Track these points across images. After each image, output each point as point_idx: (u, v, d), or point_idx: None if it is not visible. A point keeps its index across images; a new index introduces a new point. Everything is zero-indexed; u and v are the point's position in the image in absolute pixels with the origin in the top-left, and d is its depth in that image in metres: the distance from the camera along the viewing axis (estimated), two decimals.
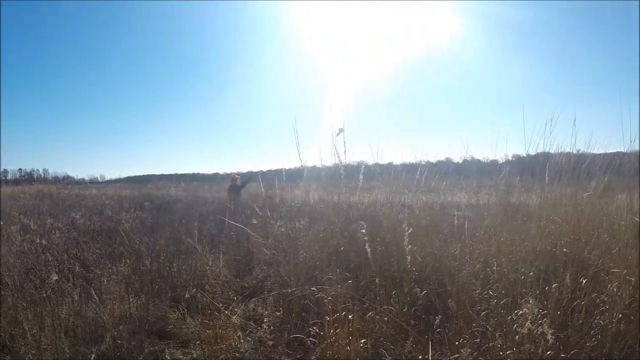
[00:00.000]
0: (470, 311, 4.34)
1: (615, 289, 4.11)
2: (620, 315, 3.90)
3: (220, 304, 5.53)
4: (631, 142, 6.21)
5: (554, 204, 6.25)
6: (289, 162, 7.86)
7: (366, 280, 5.31)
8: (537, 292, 4.22)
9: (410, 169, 8.61)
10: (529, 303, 3.48)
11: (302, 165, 7.18)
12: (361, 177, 6.49)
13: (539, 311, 3.49)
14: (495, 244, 5.47)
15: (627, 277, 4.21)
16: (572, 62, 71.57)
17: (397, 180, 8.33)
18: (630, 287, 4.12)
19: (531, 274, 4.50)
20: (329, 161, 6.97)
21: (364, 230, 4.86)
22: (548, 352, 3.46)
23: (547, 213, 5.94)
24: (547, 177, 6.43)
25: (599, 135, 6.74)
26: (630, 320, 3.92)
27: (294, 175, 9.16)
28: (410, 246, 4.97)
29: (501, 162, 8.07)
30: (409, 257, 5.00)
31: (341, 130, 6.15)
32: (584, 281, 4.28)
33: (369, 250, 4.80)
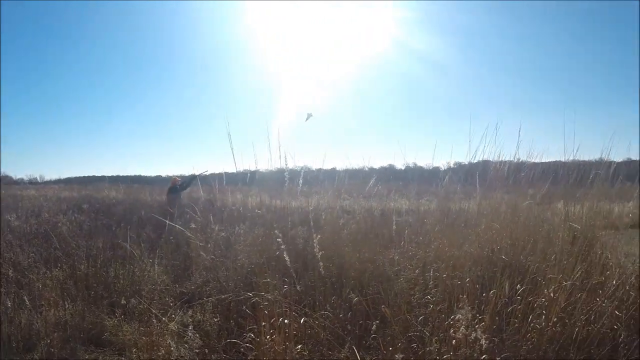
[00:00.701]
0: (408, 316, 4.34)
1: (551, 294, 4.18)
2: (555, 319, 3.98)
3: (158, 311, 5.36)
4: (574, 151, 6.42)
5: (493, 211, 6.36)
6: (231, 165, 7.71)
7: (305, 286, 5.25)
8: (475, 297, 4.26)
9: (353, 175, 8.63)
10: (464, 309, 3.50)
11: (245, 169, 7.08)
12: (300, 181, 6.42)
13: (474, 316, 3.51)
14: (434, 249, 5.50)
15: (563, 281, 4.30)
16: (519, 71, 73.88)
17: (339, 186, 8.32)
18: (566, 292, 4.21)
19: (468, 279, 4.54)
20: (272, 165, 6.89)
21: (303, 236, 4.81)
22: (483, 356, 3.48)
23: (485, 220, 6.03)
24: (485, 185, 6.54)
25: (540, 144, 6.93)
26: (565, 323, 4.02)
27: (236, 179, 9.00)
28: (351, 251, 4.96)
29: (443, 169, 8.18)
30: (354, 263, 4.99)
31: (310, 115, 6.08)
32: (521, 287, 4.36)
33: (319, 254, 4.75)
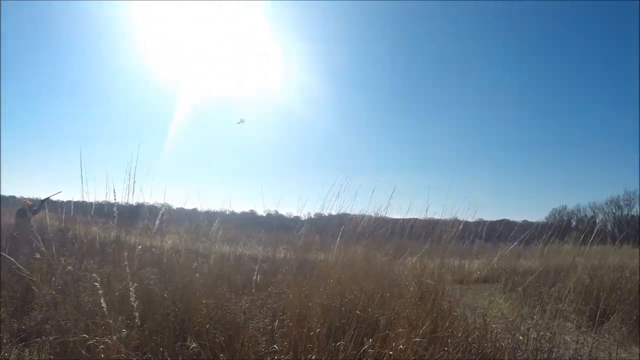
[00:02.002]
0: None
1: (401, 346, 4.37)
2: None
3: None
4: (426, 210, 6.84)
5: (347, 263, 6.56)
6: (92, 193, 7.30)
7: (150, 330, 5.07)
8: (323, 348, 4.35)
9: (213, 217, 8.57)
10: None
11: (105, 200, 6.78)
12: (157, 222, 6.28)
13: None
14: (285, 299, 5.55)
15: (412, 335, 4.53)
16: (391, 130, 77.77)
17: (197, 228, 8.22)
18: (415, 345, 4.43)
19: (318, 330, 4.63)
20: (130, 199, 6.66)
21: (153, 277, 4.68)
22: None
23: (337, 271, 6.20)
24: (343, 237, 6.75)
25: (399, 201, 7.31)
26: None
27: (86, 209, 8.54)
28: (201, 296, 4.89)
29: (303, 218, 8.36)
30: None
31: (242, 120, 5.99)
32: (370, 339, 4.51)
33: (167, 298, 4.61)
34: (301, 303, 5.35)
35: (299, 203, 7.52)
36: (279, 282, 6.21)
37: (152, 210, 6.59)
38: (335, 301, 5.57)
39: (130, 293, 4.66)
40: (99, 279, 5.97)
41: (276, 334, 4.88)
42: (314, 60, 48.08)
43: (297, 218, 8.95)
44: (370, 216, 7.26)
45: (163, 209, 6.53)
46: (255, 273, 5.86)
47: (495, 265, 11.12)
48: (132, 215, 7.35)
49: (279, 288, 5.95)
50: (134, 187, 6.17)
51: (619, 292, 7.84)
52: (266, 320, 5.22)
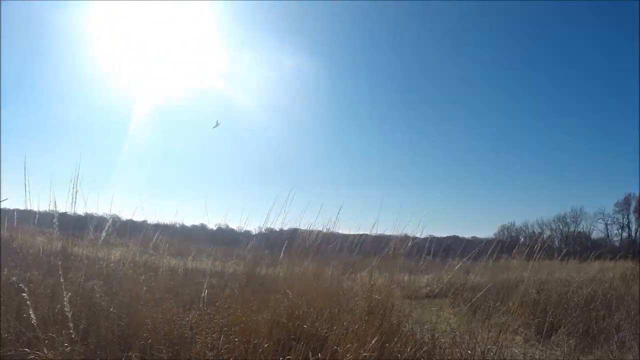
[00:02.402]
0: None
1: None
2: None
3: None
4: (376, 226, 6.96)
5: (297, 278, 6.59)
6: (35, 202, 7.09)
7: (95, 345, 4.99)
8: None
9: (163, 229, 8.49)
10: None
11: (52, 210, 6.62)
12: (104, 233, 6.20)
13: None
14: (233, 313, 5.55)
15: (361, 352, 4.60)
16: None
17: (147, 240, 8.13)
18: None
19: (266, 345, 4.66)
20: (76, 209, 6.52)
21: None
22: None
23: (285, 286, 6.23)
24: (293, 252, 6.80)
25: (349, 218, 7.40)
26: None
27: (29, 218, 8.30)
28: (148, 310, 4.85)
29: (254, 233, 8.38)
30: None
31: (218, 123, 5.94)
32: (316, 354, 4.56)
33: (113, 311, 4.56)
34: (249, 318, 5.37)
35: (248, 217, 7.55)
36: (227, 296, 6.19)
37: (101, 221, 6.50)
38: (283, 316, 5.60)
39: (75, 306, 4.58)
40: (43, 291, 5.88)
41: (221, 350, 4.88)
42: (263, 69, 48.14)
43: (247, 232, 8.97)
44: (320, 231, 7.33)
45: (111, 220, 6.44)
46: (204, 287, 5.84)
47: (445, 280, 11.37)
48: (79, 225, 7.22)
49: (227, 302, 5.93)
50: (76, 197, 6.05)
51: (565, 306, 8.10)
52: (214, 336, 5.20)
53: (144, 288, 4.93)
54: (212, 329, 5.33)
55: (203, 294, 5.75)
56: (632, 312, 7.63)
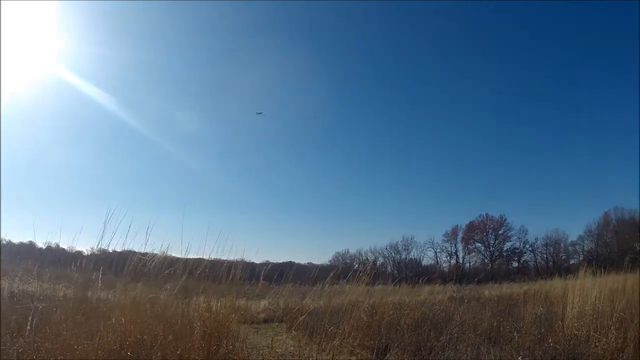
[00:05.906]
0: None
1: None
2: None
3: None
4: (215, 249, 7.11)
5: (131, 303, 6.49)
6: None
7: None
8: None
9: None
10: None
11: None
12: None
13: None
14: (63, 341, 5.38)
15: None
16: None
17: None
18: None
19: None
20: None
21: None
22: None
23: (119, 311, 6.15)
24: (128, 275, 6.73)
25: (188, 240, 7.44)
26: None
27: None
28: None
29: (87, 254, 8.09)
30: None
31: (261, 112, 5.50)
32: None
33: None
34: (80, 345, 5.25)
35: (79, 236, 7.26)
36: (57, 322, 5.93)
37: None
38: (115, 343, 5.54)
39: None
40: None
41: None
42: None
43: (79, 253, 8.61)
44: (156, 254, 7.30)
45: None
46: (31, 312, 5.60)
47: (282, 305, 11.79)
48: None
49: (57, 329, 5.70)
50: None
51: (397, 328, 8.78)
52: None
53: None
54: (40, 357, 5.15)
55: (31, 320, 5.52)
56: (456, 334, 8.42)
